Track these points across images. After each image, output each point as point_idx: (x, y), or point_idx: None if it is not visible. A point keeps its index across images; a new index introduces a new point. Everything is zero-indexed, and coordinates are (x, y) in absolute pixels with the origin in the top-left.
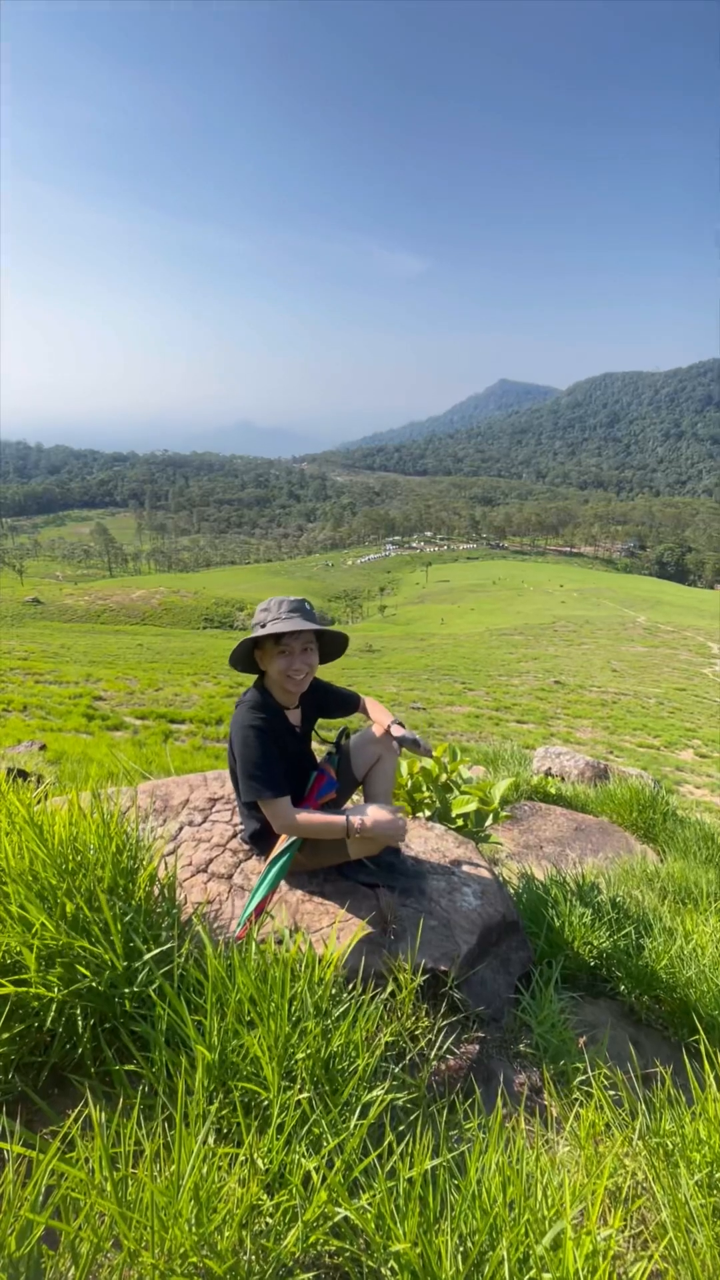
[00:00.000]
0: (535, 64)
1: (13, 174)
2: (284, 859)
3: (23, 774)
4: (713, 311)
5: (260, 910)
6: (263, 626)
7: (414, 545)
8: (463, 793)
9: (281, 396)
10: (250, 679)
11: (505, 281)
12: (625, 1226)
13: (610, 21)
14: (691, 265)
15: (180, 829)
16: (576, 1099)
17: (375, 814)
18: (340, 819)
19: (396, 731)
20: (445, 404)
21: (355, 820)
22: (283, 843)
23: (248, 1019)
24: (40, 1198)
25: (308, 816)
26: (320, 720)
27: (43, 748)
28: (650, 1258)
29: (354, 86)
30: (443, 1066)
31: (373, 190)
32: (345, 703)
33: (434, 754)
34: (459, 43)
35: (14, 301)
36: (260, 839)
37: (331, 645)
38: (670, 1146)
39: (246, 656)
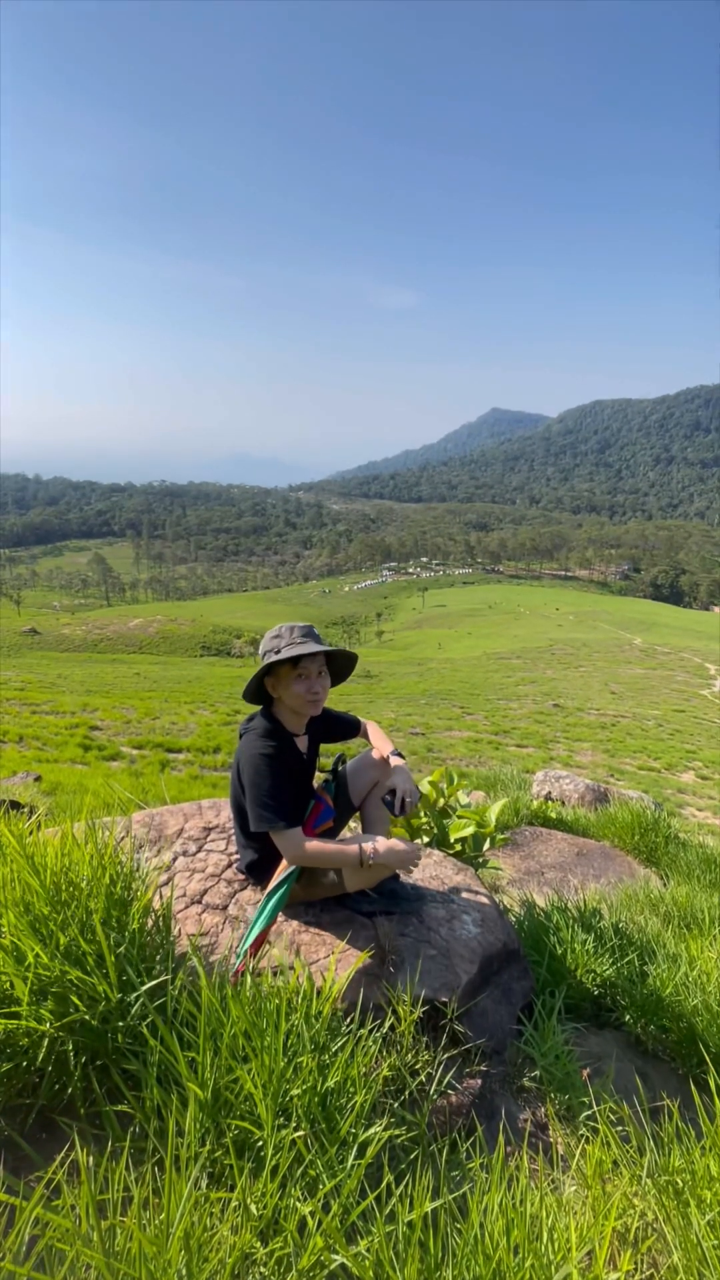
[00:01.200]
0: (527, 99)
1: (12, 218)
2: (282, 890)
3: (16, 805)
4: (701, 339)
5: (259, 944)
6: (276, 653)
7: (410, 571)
8: (459, 817)
9: (277, 427)
10: (250, 708)
11: (495, 312)
12: (635, 1270)
13: (602, 54)
14: (680, 294)
15: (175, 859)
16: (583, 1135)
17: (388, 841)
18: (353, 848)
19: (395, 762)
20: (439, 432)
21: (368, 847)
22: (280, 874)
23: (242, 1054)
24: (23, 1248)
25: (319, 846)
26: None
27: (38, 779)
28: None
29: (346, 125)
30: (443, 1102)
31: (364, 226)
32: (347, 727)
33: (406, 815)
34: (448, 81)
35: (13, 338)
36: (256, 869)
37: (338, 670)
38: (680, 1184)
39: (259, 684)
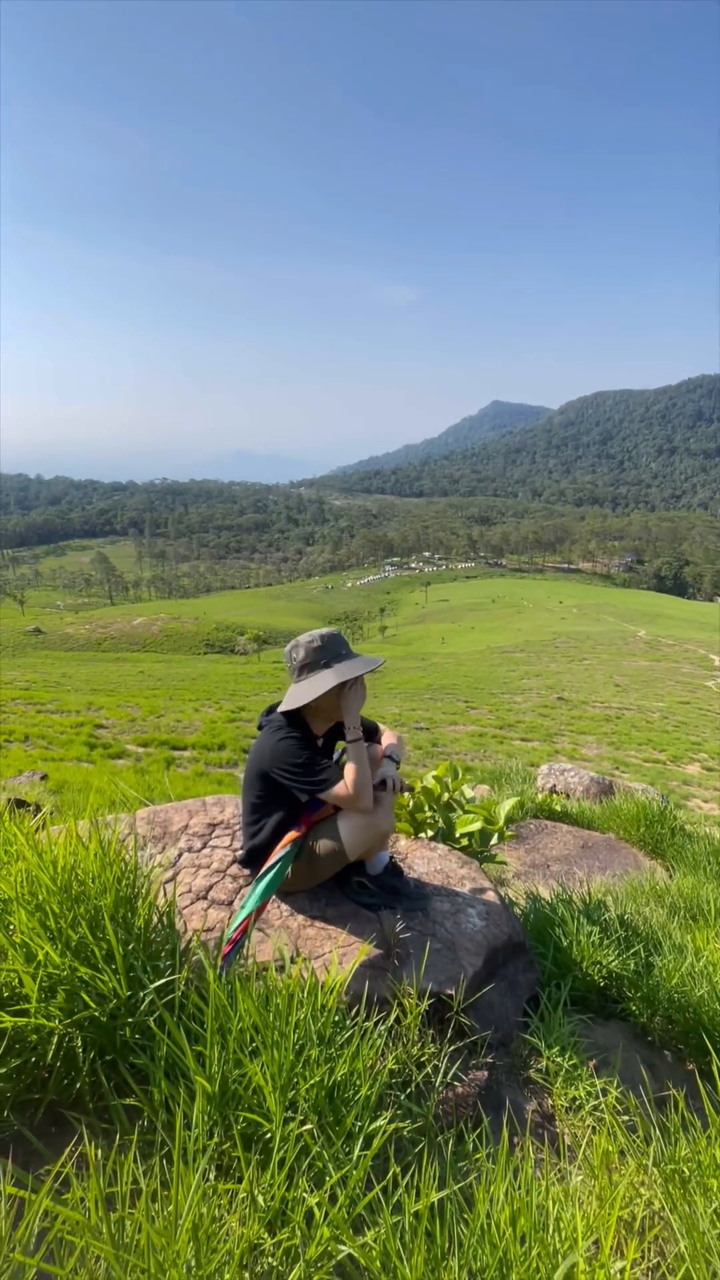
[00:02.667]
0: (526, 87)
1: (11, 219)
2: (275, 869)
3: (22, 804)
4: (702, 329)
5: (247, 925)
6: (325, 665)
7: (413, 566)
8: (466, 812)
9: (278, 424)
10: (259, 701)
11: (495, 305)
12: (641, 1258)
13: (603, 40)
14: (681, 284)
15: (179, 855)
16: (589, 1125)
17: (387, 745)
18: (377, 773)
19: (387, 765)
20: (440, 426)
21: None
22: (276, 854)
23: (250, 1048)
24: (33, 1240)
25: (353, 774)
26: None
27: (44, 777)
28: None
29: (344, 119)
30: (450, 1094)
31: (364, 222)
32: (365, 731)
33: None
34: (449, 68)
35: (13, 338)
36: (251, 860)
37: None
38: (686, 1173)
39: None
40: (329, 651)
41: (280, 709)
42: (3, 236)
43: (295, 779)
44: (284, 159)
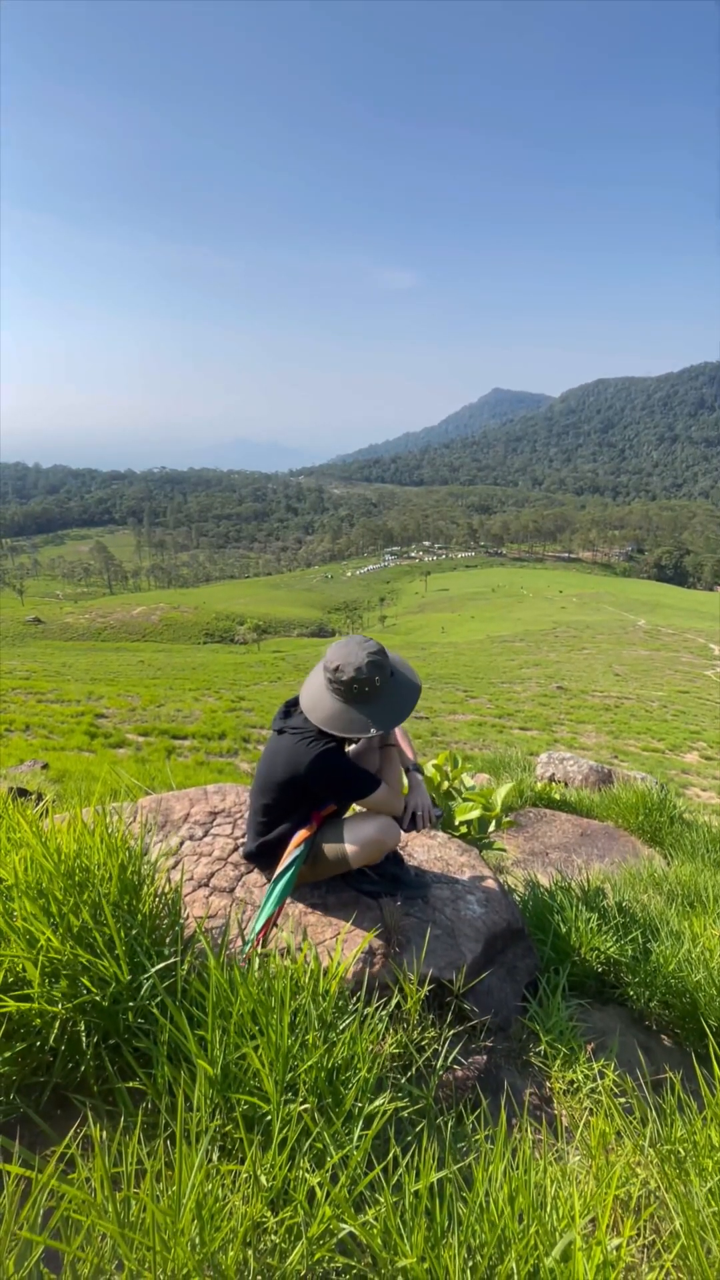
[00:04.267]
0: (527, 74)
1: (10, 203)
2: (290, 873)
3: (24, 792)
4: (705, 316)
5: (269, 927)
6: (377, 683)
7: (412, 555)
8: (465, 800)
9: (277, 412)
10: (254, 694)
11: (496, 291)
12: (637, 1236)
13: (606, 30)
14: (683, 271)
15: (181, 843)
16: (587, 1107)
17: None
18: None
19: (413, 778)
20: (440, 414)
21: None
22: (288, 856)
23: (250, 1032)
24: (40, 1219)
25: (386, 792)
26: None
27: (45, 766)
28: (663, 1267)
29: (344, 106)
30: (450, 1077)
31: (363, 206)
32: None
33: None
34: (447, 59)
35: (11, 324)
36: (261, 855)
37: None
38: (682, 1153)
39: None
40: (386, 669)
41: (320, 726)
42: (1, 220)
43: (339, 791)
44: (280, 145)
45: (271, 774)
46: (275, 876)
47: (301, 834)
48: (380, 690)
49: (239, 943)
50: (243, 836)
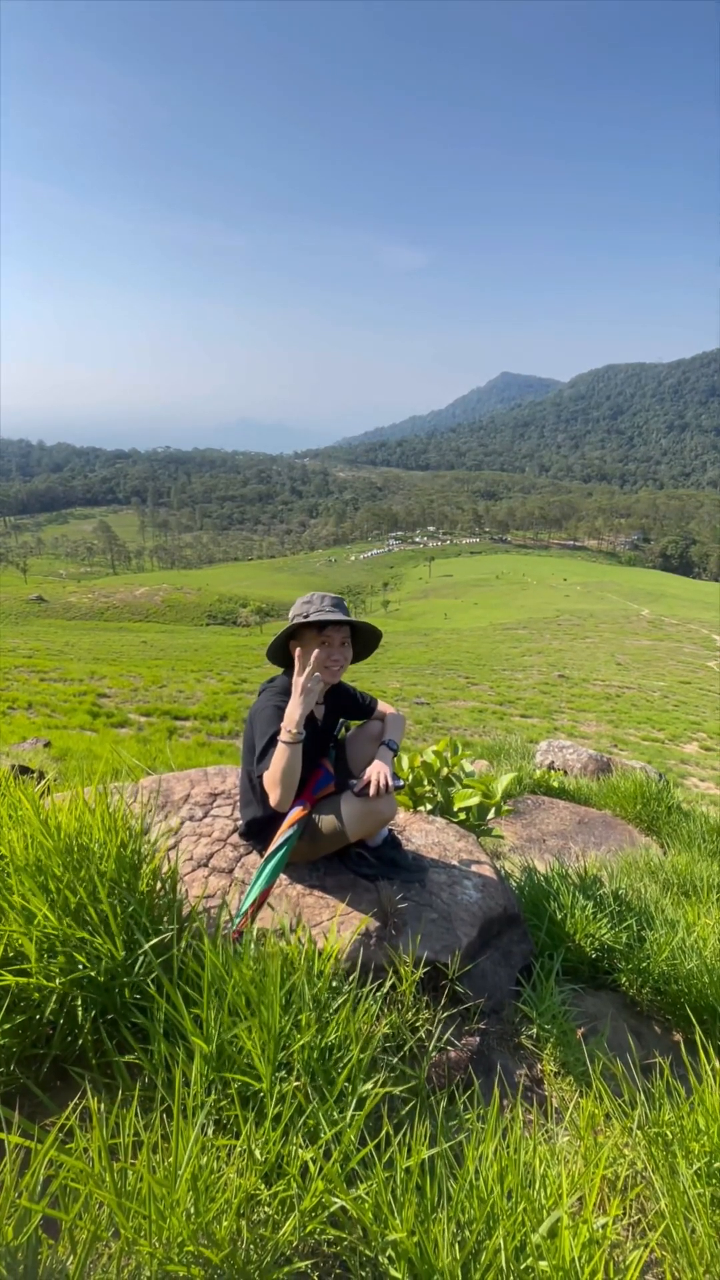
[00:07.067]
0: (538, 54)
1: (12, 172)
2: (282, 851)
3: (26, 770)
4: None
5: (259, 904)
6: (304, 617)
7: (417, 540)
8: (465, 786)
9: (283, 393)
10: (260, 674)
11: (507, 273)
12: (623, 1215)
13: (617, 13)
14: (697, 254)
15: (181, 823)
16: (577, 1089)
17: (388, 731)
18: (370, 768)
19: (382, 752)
20: (447, 398)
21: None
22: (281, 834)
23: (244, 1012)
24: (39, 1187)
25: (276, 768)
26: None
27: (47, 745)
28: (647, 1246)
29: (353, 81)
30: (443, 1058)
31: (374, 183)
32: (362, 708)
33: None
34: (458, 37)
35: (14, 300)
36: (256, 831)
37: (363, 647)
38: (669, 1136)
39: (283, 645)
40: (314, 605)
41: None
42: (3, 190)
43: (259, 737)
44: (287, 119)
45: (244, 738)
46: (266, 856)
47: (295, 814)
48: (312, 613)
49: (230, 921)
50: (240, 815)
